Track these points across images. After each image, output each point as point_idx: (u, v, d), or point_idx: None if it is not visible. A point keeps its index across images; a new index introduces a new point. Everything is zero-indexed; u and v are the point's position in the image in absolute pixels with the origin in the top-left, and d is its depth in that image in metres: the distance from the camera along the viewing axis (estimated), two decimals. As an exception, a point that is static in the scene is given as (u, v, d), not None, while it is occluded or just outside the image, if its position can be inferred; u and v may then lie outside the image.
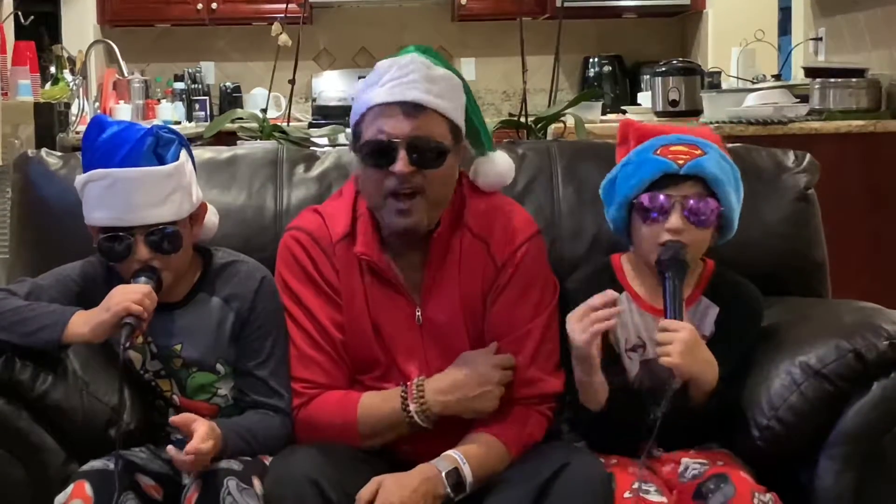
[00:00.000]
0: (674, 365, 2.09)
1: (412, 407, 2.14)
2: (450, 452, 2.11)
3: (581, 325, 2.10)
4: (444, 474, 2.07)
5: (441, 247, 2.24)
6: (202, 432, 2.02)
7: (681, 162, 2.20)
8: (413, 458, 2.14)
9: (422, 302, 2.25)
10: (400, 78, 2.15)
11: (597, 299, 2.11)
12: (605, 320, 2.09)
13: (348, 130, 3.18)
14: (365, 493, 2.03)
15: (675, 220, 2.19)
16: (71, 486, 2.03)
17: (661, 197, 2.20)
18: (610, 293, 2.13)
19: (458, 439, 2.17)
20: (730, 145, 2.41)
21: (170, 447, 2.03)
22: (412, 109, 2.13)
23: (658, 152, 2.24)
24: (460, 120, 2.22)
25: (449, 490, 2.07)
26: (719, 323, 2.24)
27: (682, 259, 2.17)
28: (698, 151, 2.22)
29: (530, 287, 2.25)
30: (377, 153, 2.15)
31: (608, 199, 2.33)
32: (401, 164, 2.12)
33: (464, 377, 2.15)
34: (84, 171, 2.19)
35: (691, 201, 2.19)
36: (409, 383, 2.17)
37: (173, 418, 2.07)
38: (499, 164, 2.34)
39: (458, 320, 2.24)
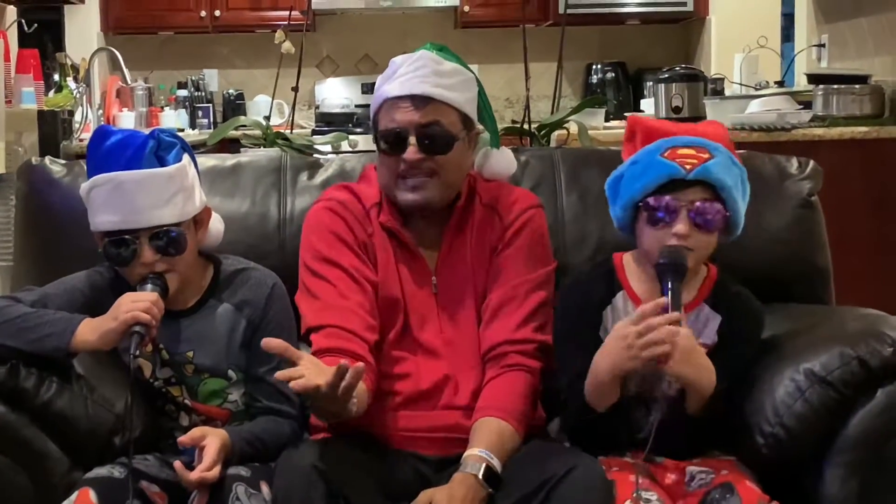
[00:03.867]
0: (668, 369, 2.09)
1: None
2: (474, 452, 2.14)
3: (632, 351, 2.07)
4: (481, 477, 2.10)
5: (460, 217, 2.38)
6: (211, 455, 2.02)
7: (688, 167, 2.19)
8: (412, 443, 2.22)
9: (437, 270, 2.36)
10: (410, 73, 2.30)
11: (649, 306, 2.08)
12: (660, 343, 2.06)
13: (352, 137, 3.21)
14: None
15: (681, 225, 2.18)
16: (75, 494, 2.03)
17: (668, 200, 2.19)
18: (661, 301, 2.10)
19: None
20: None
21: (177, 463, 2.03)
22: (421, 101, 2.29)
23: (666, 155, 2.22)
24: (471, 110, 2.37)
25: (490, 489, 2.10)
26: (721, 332, 2.23)
27: (682, 263, 2.17)
28: (706, 155, 2.21)
29: (530, 248, 2.38)
30: (390, 142, 2.30)
31: (613, 196, 2.32)
32: (411, 151, 2.28)
33: None
34: (88, 179, 2.20)
35: (697, 204, 2.18)
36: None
37: (181, 439, 2.07)
38: (498, 163, 2.50)
39: (469, 287, 2.35)
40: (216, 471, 2.02)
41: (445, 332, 2.33)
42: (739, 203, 2.23)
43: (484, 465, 2.11)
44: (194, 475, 2.00)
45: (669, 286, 2.14)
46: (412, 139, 2.28)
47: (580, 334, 2.25)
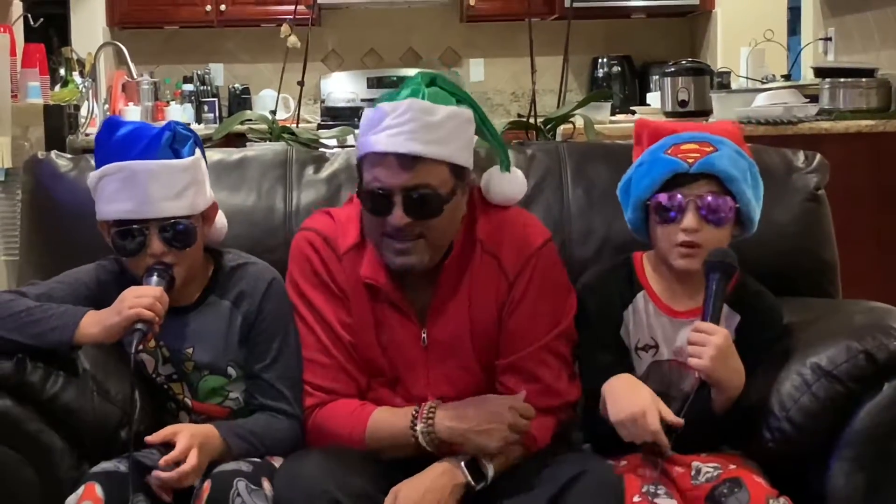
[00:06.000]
0: (703, 368, 2.08)
1: (419, 426, 2.11)
2: None
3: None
4: (462, 464, 2.07)
5: (453, 272, 2.22)
6: (181, 446, 2.03)
7: (691, 161, 2.19)
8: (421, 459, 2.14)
9: (428, 325, 2.23)
10: (397, 127, 2.08)
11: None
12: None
13: (357, 131, 3.18)
14: None
15: (689, 219, 2.18)
16: (82, 488, 2.03)
17: (677, 196, 2.19)
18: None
19: None
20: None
21: (151, 474, 2.04)
22: (408, 161, 2.09)
23: (669, 152, 2.22)
24: (465, 158, 2.17)
25: (469, 479, 2.07)
26: (739, 331, 2.22)
27: (732, 264, 2.15)
28: (709, 148, 2.20)
29: (545, 298, 2.23)
30: (374, 201, 2.13)
31: (625, 200, 2.32)
32: (397, 216, 2.10)
33: (475, 411, 2.11)
34: (97, 168, 2.19)
35: (707, 199, 2.18)
36: (422, 404, 2.14)
37: (148, 438, 2.07)
38: (507, 186, 2.30)
39: (465, 340, 2.23)
40: (189, 461, 2.03)
41: (433, 386, 2.22)
42: (749, 195, 2.22)
43: (471, 458, 2.08)
44: (160, 463, 2.02)
45: (713, 284, 2.13)
46: (398, 203, 2.09)
47: (602, 337, 2.25)
